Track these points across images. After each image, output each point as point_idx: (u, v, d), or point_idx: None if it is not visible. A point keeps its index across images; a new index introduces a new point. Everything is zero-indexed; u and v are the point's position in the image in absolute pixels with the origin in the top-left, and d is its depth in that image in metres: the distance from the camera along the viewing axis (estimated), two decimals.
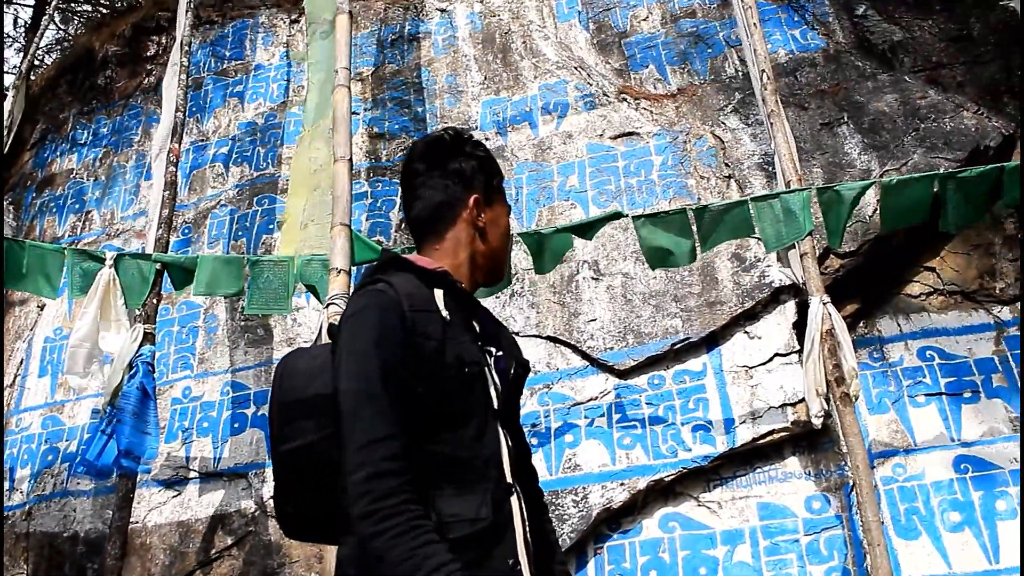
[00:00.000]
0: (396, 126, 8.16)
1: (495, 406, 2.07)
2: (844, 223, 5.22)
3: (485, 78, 8.06)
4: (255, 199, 8.15)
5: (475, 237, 2.25)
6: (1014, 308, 5.99)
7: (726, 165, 6.73)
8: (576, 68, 7.79)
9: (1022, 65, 6.68)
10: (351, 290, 5.38)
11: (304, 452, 2.00)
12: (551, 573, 2.28)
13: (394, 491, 1.82)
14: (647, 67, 7.70)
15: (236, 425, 6.99)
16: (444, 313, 2.04)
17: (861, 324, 6.16)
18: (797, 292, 6.01)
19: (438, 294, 2.08)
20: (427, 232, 2.27)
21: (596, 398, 6.14)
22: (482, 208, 2.27)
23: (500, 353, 2.21)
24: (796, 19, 7.48)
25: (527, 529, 2.04)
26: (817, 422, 4.88)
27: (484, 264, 2.28)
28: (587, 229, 5.74)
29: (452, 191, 2.25)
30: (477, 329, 2.16)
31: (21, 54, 17.51)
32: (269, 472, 6.65)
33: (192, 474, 6.96)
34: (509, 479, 2.05)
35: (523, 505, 2.07)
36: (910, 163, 6.31)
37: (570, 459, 5.90)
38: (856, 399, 4.76)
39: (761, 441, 5.73)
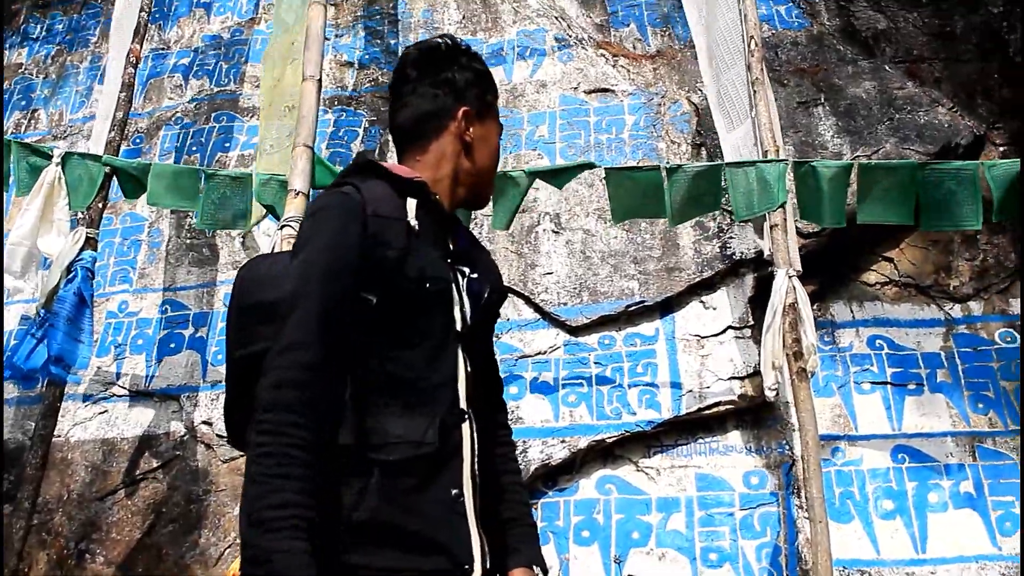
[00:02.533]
0: (366, 56, 7.93)
1: (458, 328, 1.99)
2: (822, 200, 5.16)
3: (463, 16, 7.85)
4: (213, 115, 7.88)
5: (461, 152, 2.15)
6: (965, 307, 6.03)
7: (699, 133, 6.64)
8: (557, 18, 7.62)
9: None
10: None
11: (258, 358, 1.86)
12: (510, 510, 2.20)
13: (287, 406, 1.72)
14: (628, 25, 7.56)
15: (172, 345, 6.78)
16: (413, 223, 1.96)
17: (815, 306, 6.11)
18: (757, 266, 5.97)
19: (411, 203, 2.00)
20: (410, 142, 2.17)
21: (544, 352, 6.06)
22: (472, 122, 2.17)
23: (475, 275, 2.11)
24: None
25: (476, 459, 1.95)
26: (770, 394, 4.84)
27: (467, 182, 2.17)
28: (557, 176, 5.61)
29: (441, 101, 2.16)
30: (451, 247, 2.08)
31: None
32: (201, 396, 6.49)
33: (121, 392, 6.75)
34: (463, 405, 1.95)
35: (475, 435, 1.97)
36: (882, 151, 6.28)
37: (512, 411, 5.80)
38: (812, 375, 4.73)
39: (706, 412, 5.70)
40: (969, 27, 7.11)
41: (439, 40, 2.27)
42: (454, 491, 1.88)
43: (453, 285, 2.02)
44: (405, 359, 1.90)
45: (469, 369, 2.01)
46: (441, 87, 2.16)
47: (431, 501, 1.85)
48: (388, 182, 2.02)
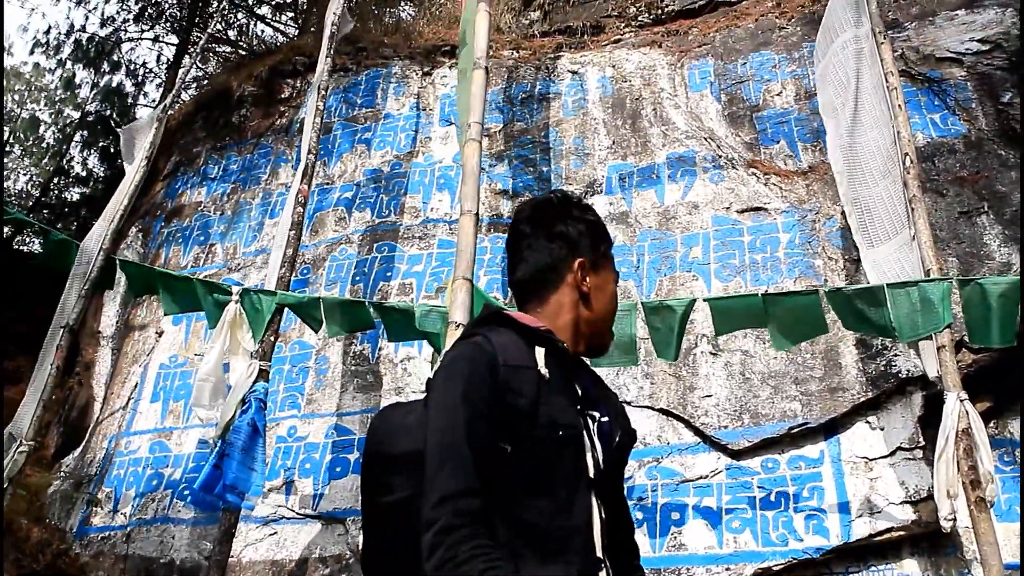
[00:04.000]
0: (520, 184, 8.18)
1: (590, 475, 1.97)
2: (991, 319, 4.96)
3: (613, 142, 8.03)
4: (375, 245, 8.24)
5: (579, 302, 2.17)
6: None
7: (855, 248, 6.52)
8: (706, 139, 7.71)
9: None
10: None
11: (402, 506, 1.94)
12: None
13: (467, 538, 1.74)
14: (778, 142, 7.56)
15: (338, 469, 7.00)
16: (543, 371, 1.97)
17: (991, 424, 5.86)
18: (925, 385, 5.76)
19: (539, 352, 2.01)
20: (530, 295, 2.21)
21: (706, 476, 5.97)
22: (587, 272, 2.18)
23: (605, 419, 2.10)
24: (937, 103, 7.25)
25: None
26: (947, 525, 4.61)
27: (587, 331, 2.18)
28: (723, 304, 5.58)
29: (557, 254, 2.18)
30: (579, 392, 2.07)
31: (161, 89, 18.29)
32: None
33: (290, 514, 6.98)
34: (599, 553, 1.93)
35: None
36: None
37: (675, 537, 5.73)
38: (991, 505, 4.49)
39: (878, 538, 5.47)
40: None
41: (551, 195, 2.32)
42: None
43: (584, 432, 2.01)
44: (540, 507, 1.88)
45: (603, 515, 1.98)
46: (555, 240, 2.19)
47: None
48: (516, 331, 2.04)
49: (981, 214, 6.48)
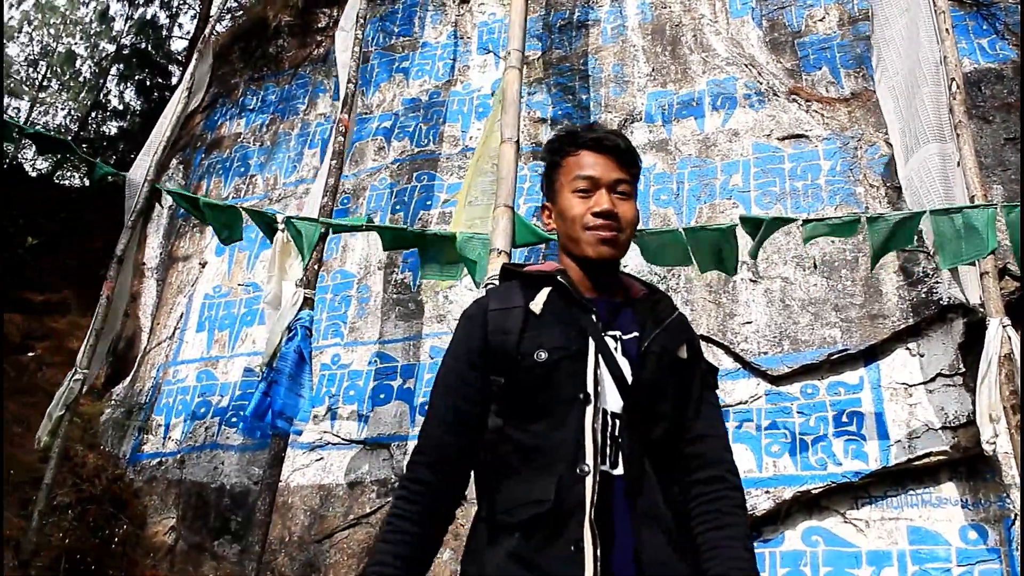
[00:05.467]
0: (559, 112, 8.15)
1: (588, 389, 2.06)
2: None
3: (652, 69, 7.96)
4: (414, 174, 8.28)
5: (559, 236, 2.36)
6: None
7: (897, 175, 6.47)
8: (747, 65, 7.62)
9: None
10: None
11: None
12: (718, 566, 2.06)
13: (405, 478, 2.18)
14: (820, 69, 7.46)
15: (382, 396, 7.13)
16: (534, 307, 2.19)
17: None
18: (966, 312, 5.75)
19: (542, 292, 2.22)
20: None
21: (746, 402, 6.03)
22: (550, 212, 2.39)
23: (629, 336, 2.20)
24: (985, 27, 7.11)
25: (592, 512, 1.96)
26: (989, 448, 4.64)
27: (573, 253, 2.31)
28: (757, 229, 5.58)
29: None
30: (594, 319, 2.17)
31: (195, 20, 18.27)
32: (410, 444, 6.77)
33: (335, 440, 7.14)
34: (588, 462, 2.00)
35: (595, 488, 1.99)
36: None
37: None
38: None
39: (916, 463, 5.52)
40: None
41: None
42: (572, 547, 1.96)
43: (587, 351, 2.11)
44: (536, 428, 2.08)
45: (596, 426, 2.05)
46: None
47: (553, 557, 1.96)
48: (521, 280, 2.30)
49: None
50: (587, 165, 2.31)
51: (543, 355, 2.09)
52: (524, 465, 2.06)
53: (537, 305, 2.18)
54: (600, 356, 2.13)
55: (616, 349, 2.16)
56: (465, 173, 7.19)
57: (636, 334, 2.19)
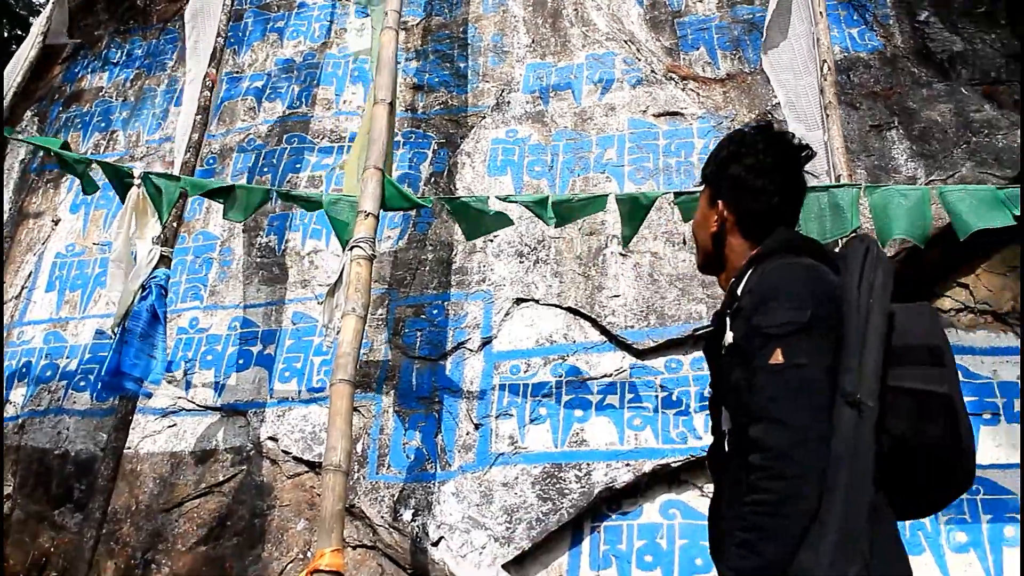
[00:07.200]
0: (436, 79, 8.00)
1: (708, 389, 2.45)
2: (900, 224, 5.04)
3: (532, 41, 7.89)
4: (284, 137, 8.02)
5: None
6: None
7: None
8: (626, 42, 7.62)
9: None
10: (376, 234, 5.25)
11: None
12: None
13: None
14: (698, 49, 7.52)
15: (240, 361, 6.88)
16: None
17: None
18: None
19: None
20: None
21: (610, 375, 6.01)
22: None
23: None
24: (855, 18, 7.28)
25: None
26: None
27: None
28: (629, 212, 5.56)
29: None
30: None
31: None
32: (268, 412, 6.56)
33: (190, 406, 6.85)
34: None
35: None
36: (957, 175, 6.15)
37: (577, 433, 5.78)
38: None
39: None
40: None
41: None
42: None
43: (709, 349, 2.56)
44: None
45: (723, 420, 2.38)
46: None
47: None
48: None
49: (891, 128, 6.57)
50: None
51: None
52: None
53: None
54: None
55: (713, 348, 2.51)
56: (354, 139, 6.93)
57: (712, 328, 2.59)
